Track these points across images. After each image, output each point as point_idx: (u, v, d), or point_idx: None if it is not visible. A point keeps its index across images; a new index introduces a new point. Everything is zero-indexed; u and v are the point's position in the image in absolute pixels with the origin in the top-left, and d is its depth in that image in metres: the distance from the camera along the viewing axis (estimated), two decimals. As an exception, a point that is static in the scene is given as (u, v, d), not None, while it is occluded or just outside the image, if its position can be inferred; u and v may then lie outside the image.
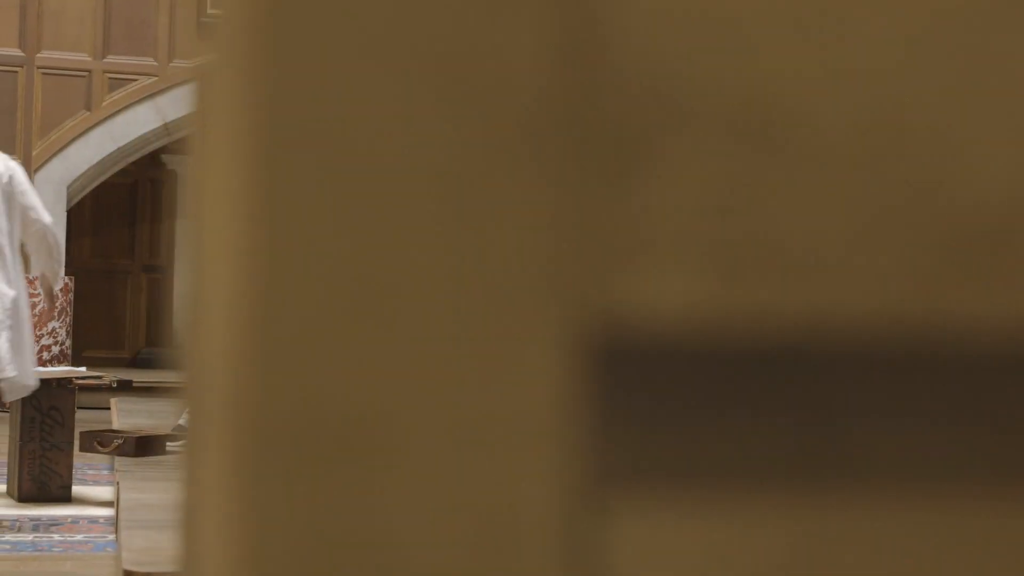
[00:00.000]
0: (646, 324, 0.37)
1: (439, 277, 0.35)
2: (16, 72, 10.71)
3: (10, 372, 5.15)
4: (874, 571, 0.38)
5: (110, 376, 9.20)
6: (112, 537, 4.89)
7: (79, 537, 5.09)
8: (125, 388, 9.20)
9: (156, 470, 5.51)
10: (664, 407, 0.37)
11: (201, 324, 0.44)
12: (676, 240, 0.37)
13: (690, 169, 0.37)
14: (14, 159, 5.52)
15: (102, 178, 10.92)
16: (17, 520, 5.31)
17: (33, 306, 5.79)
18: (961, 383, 0.39)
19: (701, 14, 0.37)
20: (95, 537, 5.09)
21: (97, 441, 6.08)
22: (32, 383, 5.47)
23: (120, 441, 5.92)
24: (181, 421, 6.29)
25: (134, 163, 11.17)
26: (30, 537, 5.05)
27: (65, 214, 10.63)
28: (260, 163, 0.34)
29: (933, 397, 0.38)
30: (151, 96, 10.77)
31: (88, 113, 10.74)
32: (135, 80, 10.82)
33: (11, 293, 5.18)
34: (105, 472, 6.41)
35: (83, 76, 10.81)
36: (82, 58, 10.82)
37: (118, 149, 10.71)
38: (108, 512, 5.42)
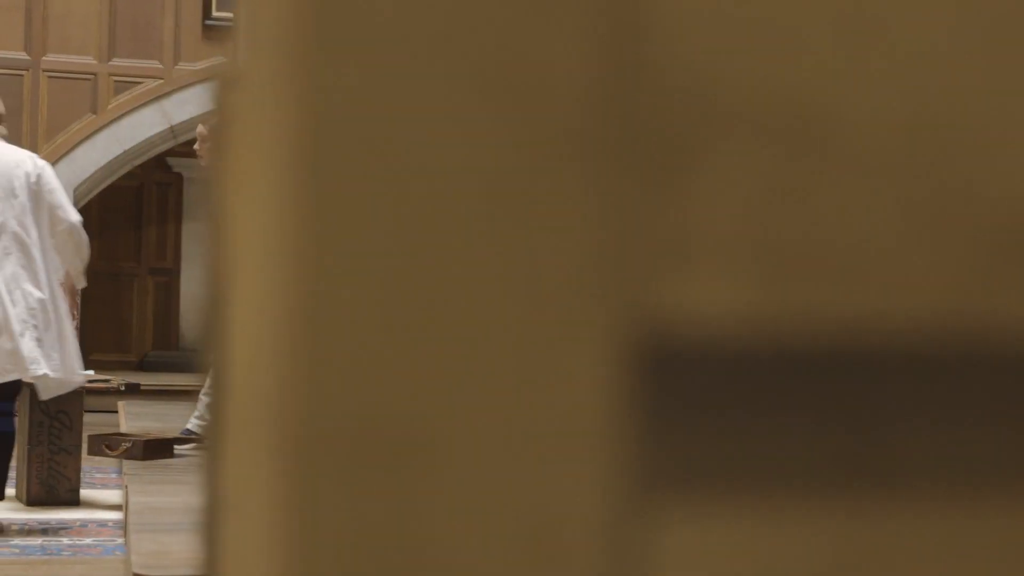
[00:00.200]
0: (692, 328, 0.36)
1: (486, 281, 0.35)
2: (22, 75, 10.71)
3: (38, 371, 5.13)
4: None
5: (119, 379, 9.20)
6: (121, 541, 4.90)
7: (88, 541, 5.09)
8: (133, 391, 9.20)
9: (164, 473, 5.51)
10: (710, 411, 0.36)
11: (228, 329, 0.44)
12: (721, 243, 0.37)
13: (734, 171, 0.37)
14: (43, 158, 5.50)
15: (108, 181, 10.92)
16: (26, 524, 5.31)
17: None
18: (1007, 386, 0.38)
19: (742, 16, 0.37)
20: (104, 541, 5.09)
21: (105, 444, 6.08)
22: (76, 379, 5.44)
23: (128, 444, 5.92)
24: (189, 424, 6.30)
25: (140, 166, 11.17)
26: (39, 541, 5.05)
27: (71, 217, 10.61)
28: (307, 167, 0.34)
29: (980, 400, 0.38)
30: (157, 99, 10.77)
31: (94, 116, 10.75)
32: (141, 83, 10.82)
33: (37, 293, 5.17)
34: (113, 476, 6.42)
35: (88, 79, 10.81)
36: (87, 61, 10.83)
37: (124, 152, 10.71)
38: (117, 516, 5.42)
